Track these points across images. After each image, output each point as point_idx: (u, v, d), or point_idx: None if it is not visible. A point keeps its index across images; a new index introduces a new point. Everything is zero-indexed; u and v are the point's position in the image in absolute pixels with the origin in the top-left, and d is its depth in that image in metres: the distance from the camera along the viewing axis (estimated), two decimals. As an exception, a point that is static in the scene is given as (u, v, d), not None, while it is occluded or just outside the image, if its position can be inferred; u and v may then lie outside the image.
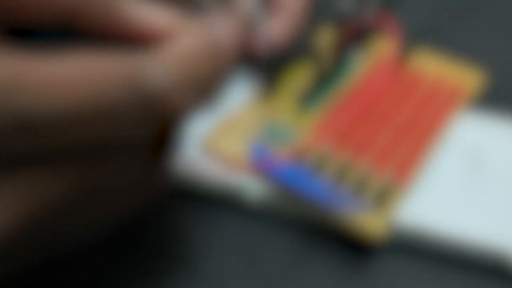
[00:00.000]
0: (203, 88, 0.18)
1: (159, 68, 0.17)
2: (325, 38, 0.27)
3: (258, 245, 0.23)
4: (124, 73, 0.16)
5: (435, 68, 0.27)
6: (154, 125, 0.17)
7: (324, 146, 0.24)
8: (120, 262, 0.22)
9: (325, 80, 0.26)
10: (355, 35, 0.27)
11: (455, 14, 0.30)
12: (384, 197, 0.23)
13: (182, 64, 0.17)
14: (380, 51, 0.27)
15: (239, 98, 0.26)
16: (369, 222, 0.22)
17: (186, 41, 0.18)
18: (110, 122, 0.16)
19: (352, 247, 0.23)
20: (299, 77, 0.26)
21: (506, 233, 0.23)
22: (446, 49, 0.29)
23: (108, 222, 0.19)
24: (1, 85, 0.15)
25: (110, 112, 0.16)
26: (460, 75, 0.27)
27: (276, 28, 0.25)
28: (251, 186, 0.23)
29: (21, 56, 0.16)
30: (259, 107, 0.25)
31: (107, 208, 0.18)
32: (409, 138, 0.25)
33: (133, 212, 0.19)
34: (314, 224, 0.23)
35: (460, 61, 0.29)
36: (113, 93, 0.16)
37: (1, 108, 0.15)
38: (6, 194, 0.16)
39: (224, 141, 0.24)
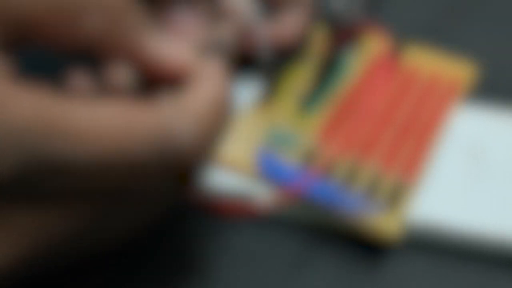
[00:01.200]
0: (218, 134, 0.18)
1: (183, 123, 0.17)
2: (320, 39, 0.27)
3: (268, 248, 0.23)
4: (153, 128, 0.17)
5: (430, 63, 0.27)
6: (176, 175, 0.18)
7: (331, 149, 0.24)
8: (127, 268, 0.22)
9: (323, 81, 0.26)
10: (348, 35, 0.27)
11: (450, 10, 0.30)
12: (396, 196, 0.23)
13: (202, 115, 0.18)
14: (374, 49, 0.27)
15: (240, 104, 0.26)
16: (385, 222, 0.22)
17: (204, 90, 0.18)
18: (136, 171, 0.17)
19: (366, 248, 0.23)
20: (297, 80, 0.26)
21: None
22: (440, 44, 0.29)
23: (119, 237, 0.19)
24: (37, 128, 0.15)
25: (137, 162, 0.17)
26: (455, 70, 0.27)
27: (288, 24, 0.25)
28: (260, 192, 0.23)
29: (55, 98, 0.16)
30: (261, 112, 0.25)
31: (119, 226, 0.19)
32: (412, 135, 0.25)
33: (146, 226, 0.20)
34: (326, 227, 0.23)
35: (455, 56, 0.29)
36: (142, 146, 0.17)
37: (36, 150, 0.15)
38: (24, 224, 0.17)
39: (229, 148, 0.24)
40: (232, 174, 0.24)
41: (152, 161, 0.17)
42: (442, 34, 0.29)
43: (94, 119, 0.16)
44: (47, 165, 0.16)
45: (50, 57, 0.23)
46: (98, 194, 0.17)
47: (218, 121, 0.18)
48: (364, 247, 0.23)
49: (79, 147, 0.16)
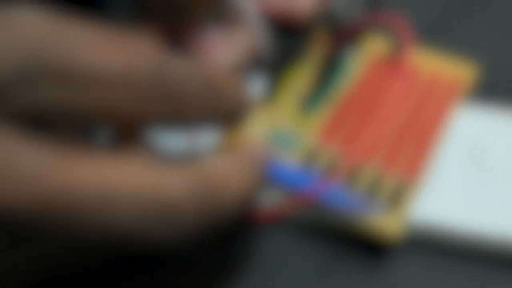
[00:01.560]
0: (222, 104, 0.19)
1: (184, 68, 0.18)
2: (320, 39, 0.27)
3: (267, 248, 0.23)
4: (153, 58, 0.18)
5: (430, 63, 0.27)
6: (171, 110, 0.18)
7: (332, 150, 0.24)
8: (148, 281, 0.22)
9: (324, 82, 0.26)
10: (349, 35, 0.27)
11: (450, 10, 0.30)
12: (397, 196, 0.23)
13: (205, 75, 0.19)
14: (375, 50, 0.27)
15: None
16: (386, 222, 0.22)
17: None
18: (133, 92, 0.17)
19: (367, 248, 0.23)
20: (298, 81, 0.26)
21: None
22: (440, 44, 0.29)
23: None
24: (41, 38, 0.16)
25: (133, 82, 0.17)
26: (455, 70, 0.27)
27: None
28: (262, 193, 0.23)
29: (64, 20, 0.17)
30: (262, 113, 0.25)
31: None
32: (413, 135, 0.25)
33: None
34: (327, 227, 0.23)
35: (455, 56, 0.29)
36: (140, 69, 0.17)
37: (40, 55, 0.16)
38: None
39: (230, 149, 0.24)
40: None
41: (149, 84, 0.18)
42: (442, 34, 0.29)
43: (101, 37, 0.17)
44: (51, 71, 0.16)
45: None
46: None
47: (224, 93, 0.19)
48: (366, 247, 0.23)
49: (82, 56, 0.17)
